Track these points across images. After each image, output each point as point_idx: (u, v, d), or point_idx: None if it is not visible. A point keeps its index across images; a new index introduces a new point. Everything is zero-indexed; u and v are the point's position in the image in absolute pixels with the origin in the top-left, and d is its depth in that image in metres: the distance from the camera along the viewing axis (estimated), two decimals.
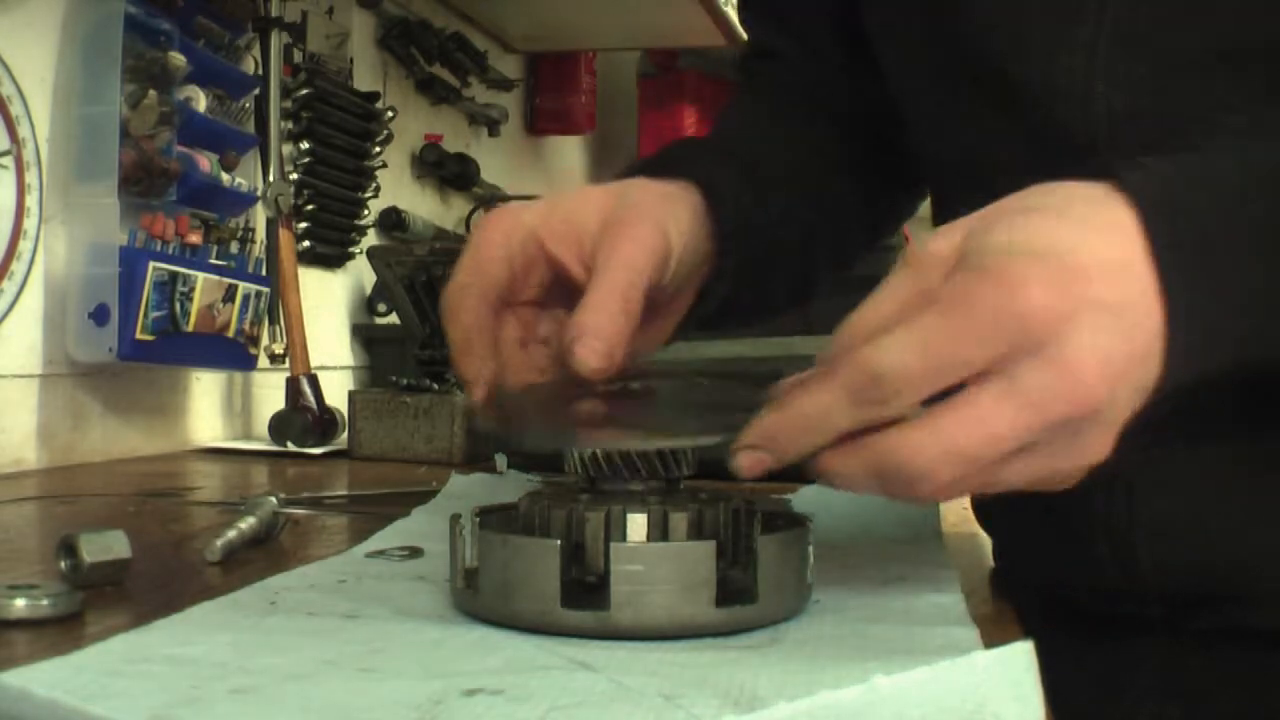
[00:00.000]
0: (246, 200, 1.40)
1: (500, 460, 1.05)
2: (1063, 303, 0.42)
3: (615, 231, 0.57)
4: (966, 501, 0.75)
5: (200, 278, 1.26)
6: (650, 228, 0.58)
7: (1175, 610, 0.63)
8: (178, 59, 1.24)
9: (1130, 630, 0.66)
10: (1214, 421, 0.56)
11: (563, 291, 0.60)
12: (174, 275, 1.22)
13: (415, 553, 0.64)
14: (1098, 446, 0.44)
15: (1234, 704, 0.63)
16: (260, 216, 1.47)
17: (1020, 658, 0.37)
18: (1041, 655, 0.38)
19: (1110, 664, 0.67)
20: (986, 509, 0.73)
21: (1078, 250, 0.43)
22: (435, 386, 1.30)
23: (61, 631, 0.49)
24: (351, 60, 1.80)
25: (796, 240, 0.72)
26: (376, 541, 0.68)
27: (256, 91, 1.46)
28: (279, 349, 1.47)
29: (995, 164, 0.62)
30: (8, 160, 1.12)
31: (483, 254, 0.59)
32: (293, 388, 1.39)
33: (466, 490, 0.91)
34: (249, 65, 1.47)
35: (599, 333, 0.54)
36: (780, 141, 0.76)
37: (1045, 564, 0.67)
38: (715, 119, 0.82)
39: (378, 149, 1.79)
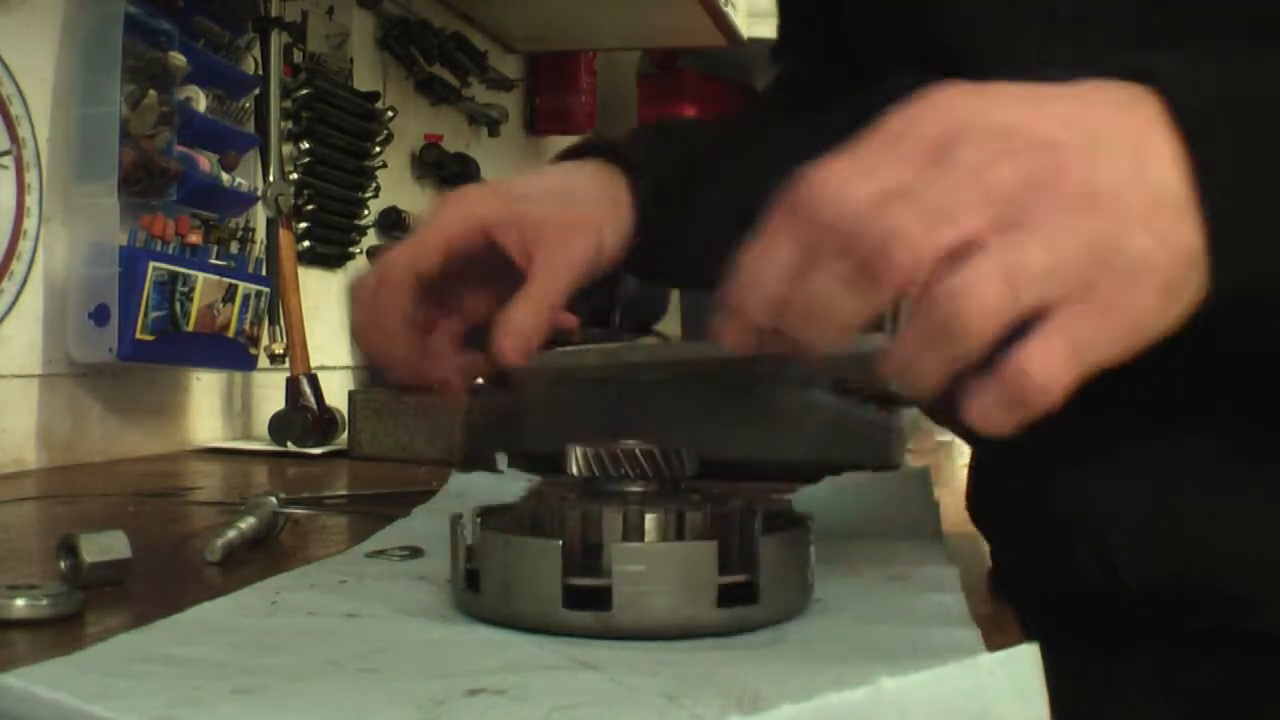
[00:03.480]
0: (246, 200, 1.40)
1: (500, 459, 1.05)
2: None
3: (556, 237, 0.67)
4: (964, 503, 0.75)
5: (200, 278, 1.26)
6: (588, 237, 0.68)
7: (1168, 612, 0.63)
8: (178, 59, 1.24)
9: (1128, 631, 0.66)
10: (1178, 420, 0.56)
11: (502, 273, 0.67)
12: (174, 275, 1.22)
13: (416, 553, 0.64)
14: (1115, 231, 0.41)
15: (1232, 705, 0.63)
16: (260, 216, 1.46)
17: (1026, 660, 0.37)
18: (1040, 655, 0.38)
19: (1108, 665, 0.67)
20: (982, 512, 0.73)
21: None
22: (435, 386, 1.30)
23: (61, 631, 0.49)
24: (351, 60, 1.80)
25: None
26: (377, 541, 0.68)
27: (256, 91, 1.46)
28: (279, 349, 1.47)
29: None
30: (8, 160, 1.12)
31: (428, 238, 0.69)
32: (293, 388, 1.39)
33: (466, 490, 0.91)
34: (249, 65, 1.47)
35: (519, 331, 0.64)
36: (755, 132, 0.80)
37: (1037, 568, 0.68)
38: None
39: (378, 149, 1.79)
